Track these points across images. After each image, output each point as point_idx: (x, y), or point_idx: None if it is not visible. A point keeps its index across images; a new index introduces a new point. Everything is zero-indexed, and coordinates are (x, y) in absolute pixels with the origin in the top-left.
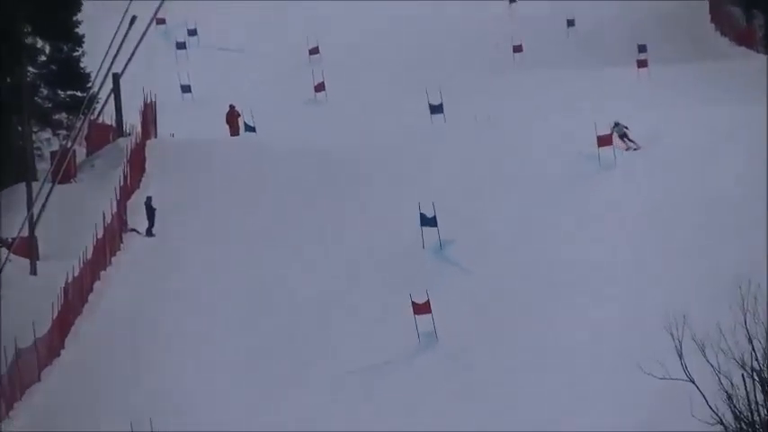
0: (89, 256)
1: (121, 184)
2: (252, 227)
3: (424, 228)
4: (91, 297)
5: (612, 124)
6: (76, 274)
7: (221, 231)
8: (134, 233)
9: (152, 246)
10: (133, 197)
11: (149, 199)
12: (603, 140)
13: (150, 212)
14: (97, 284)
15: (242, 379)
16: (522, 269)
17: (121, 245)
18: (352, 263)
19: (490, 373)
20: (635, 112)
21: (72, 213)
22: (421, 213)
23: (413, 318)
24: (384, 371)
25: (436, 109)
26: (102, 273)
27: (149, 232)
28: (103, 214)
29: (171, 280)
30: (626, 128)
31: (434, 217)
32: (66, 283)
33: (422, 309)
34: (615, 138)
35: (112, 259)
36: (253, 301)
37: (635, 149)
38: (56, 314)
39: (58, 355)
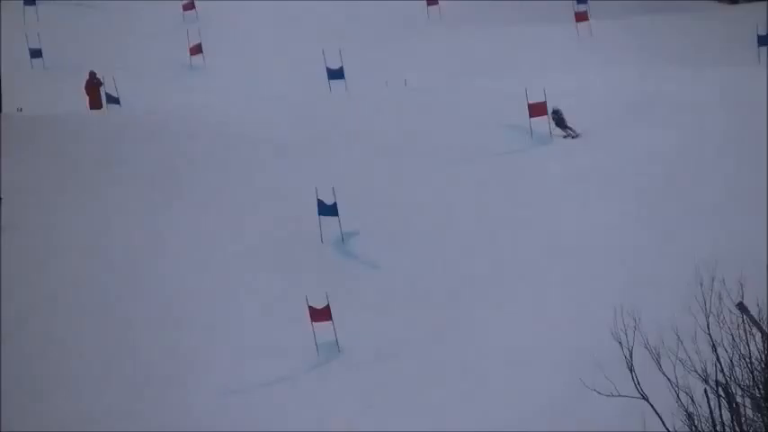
0: None
1: None
2: (110, 221)
3: (322, 217)
4: None
5: (551, 111)
6: None
7: (76, 231)
8: None
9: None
10: None
11: None
12: (536, 110)
13: None
14: None
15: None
16: (440, 263)
17: None
18: (235, 261)
19: (403, 388)
20: (571, 76)
21: None
22: (319, 200)
23: (310, 326)
24: (275, 390)
25: (335, 74)
26: None
27: None
28: None
29: (14, 288)
30: (559, 113)
31: (335, 204)
32: None
33: (320, 315)
34: (552, 124)
35: None
36: (118, 313)
37: (573, 137)
38: None
39: None
